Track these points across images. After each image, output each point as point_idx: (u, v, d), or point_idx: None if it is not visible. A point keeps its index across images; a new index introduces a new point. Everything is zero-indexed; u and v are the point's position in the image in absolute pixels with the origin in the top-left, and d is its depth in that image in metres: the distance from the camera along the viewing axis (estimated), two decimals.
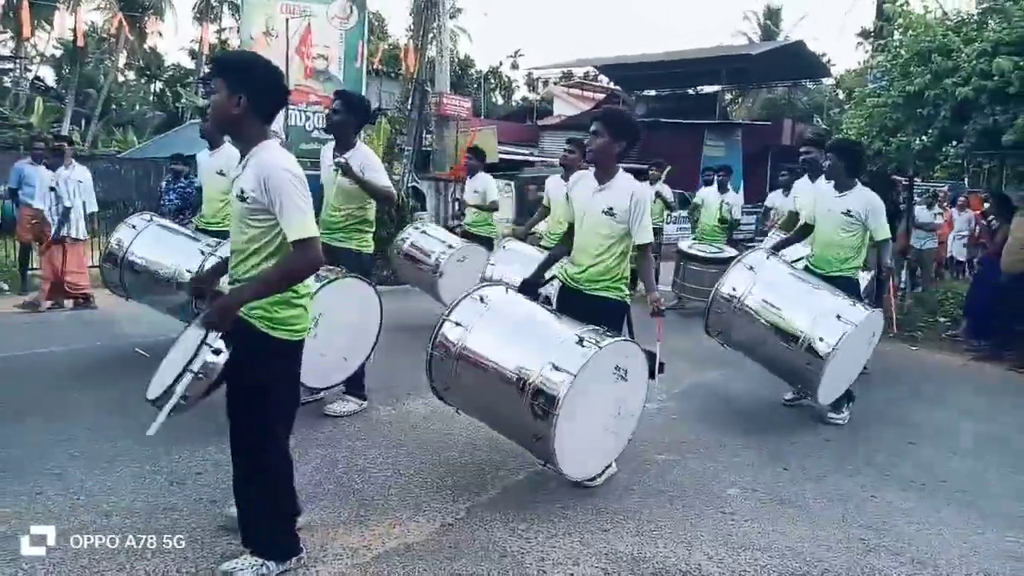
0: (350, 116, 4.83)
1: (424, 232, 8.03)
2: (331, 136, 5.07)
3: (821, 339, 4.77)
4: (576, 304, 4.01)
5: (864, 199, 5.26)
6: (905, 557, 3.41)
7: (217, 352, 2.60)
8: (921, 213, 11.81)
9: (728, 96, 33.54)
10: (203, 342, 2.59)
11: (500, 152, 19.04)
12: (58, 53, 36.55)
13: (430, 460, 4.28)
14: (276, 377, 2.86)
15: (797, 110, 32.85)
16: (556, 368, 3.42)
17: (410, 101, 16.19)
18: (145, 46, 38.53)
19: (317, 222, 2.84)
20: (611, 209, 3.97)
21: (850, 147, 5.61)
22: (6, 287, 9.46)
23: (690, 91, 31.15)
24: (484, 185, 8.35)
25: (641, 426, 4.31)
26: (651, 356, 3.84)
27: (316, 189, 4.39)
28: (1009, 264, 7.70)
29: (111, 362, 6.08)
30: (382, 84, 22.83)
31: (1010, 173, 12.93)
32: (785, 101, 34.46)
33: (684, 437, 4.90)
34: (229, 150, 5.51)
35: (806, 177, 6.88)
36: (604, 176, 4.06)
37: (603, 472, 4.00)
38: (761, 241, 8.52)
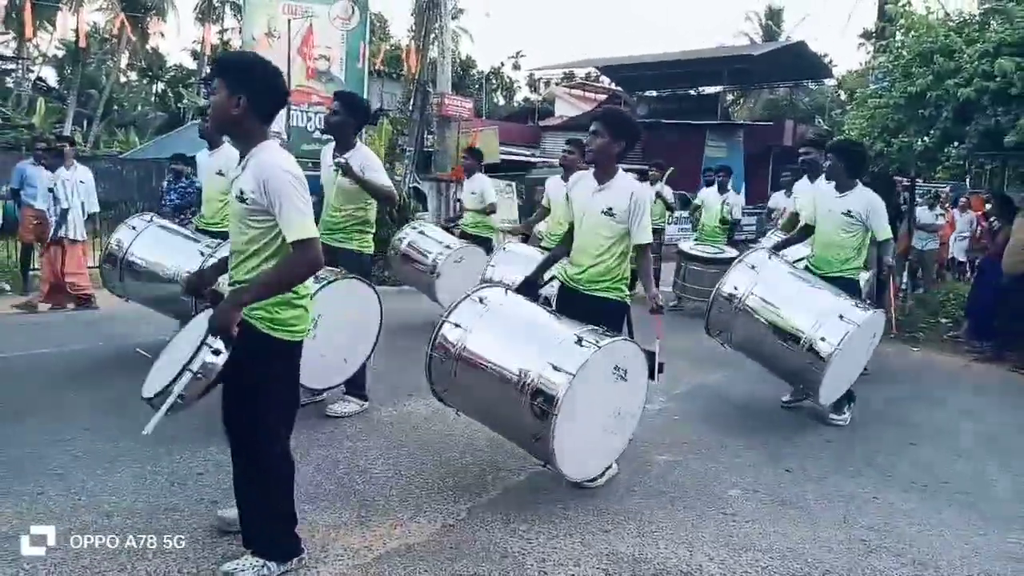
0: (349, 117, 4.84)
1: (422, 232, 7.97)
2: (331, 137, 5.08)
3: (823, 339, 4.76)
4: (576, 305, 4.01)
5: (865, 199, 5.26)
6: (906, 558, 3.41)
7: (217, 352, 2.60)
8: (923, 214, 11.80)
9: (730, 97, 33.52)
10: (203, 342, 2.58)
11: (501, 153, 19.04)
12: (60, 54, 36.63)
13: (431, 461, 4.28)
14: (277, 378, 2.86)
15: (799, 111, 32.84)
16: (555, 368, 3.42)
17: (412, 102, 16.23)
18: (147, 47, 38.62)
19: (317, 223, 2.84)
20: (611, 209, 3.97)
21: (850, 148, 5.60)
22: (8, 287, 9.48)
23: (692, 92, 31.14)
24: (481, 186, 8.31)
25: (642, 427, 4.32)
26: (651, 356, 3.84)
27: (316, 190, 4.40)
28: (1011, 265, 7.69)
29: (112, 362, 6.09)
30: (384, 85, 22.88)
31: (1012, 174, 12.93)
32: (787, 102, 34.44)
33: (685, 438, 4.90)
34: (228, 150, 5.51)
35: (806, 178, 6.89)
36: (604, 176, 4.06)
37: (604, 473, 4.00)
38: (761, 241, 8.52)
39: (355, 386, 5.05)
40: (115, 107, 35.94)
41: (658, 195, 10.27)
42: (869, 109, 9.40)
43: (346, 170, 4.67)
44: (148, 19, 34.69)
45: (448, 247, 7.67)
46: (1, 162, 14.41)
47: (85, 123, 32.33)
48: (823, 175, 5.65)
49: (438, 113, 16.26)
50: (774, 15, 39.66)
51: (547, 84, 41.28)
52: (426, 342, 3.88)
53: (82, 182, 8.73)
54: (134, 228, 6.00)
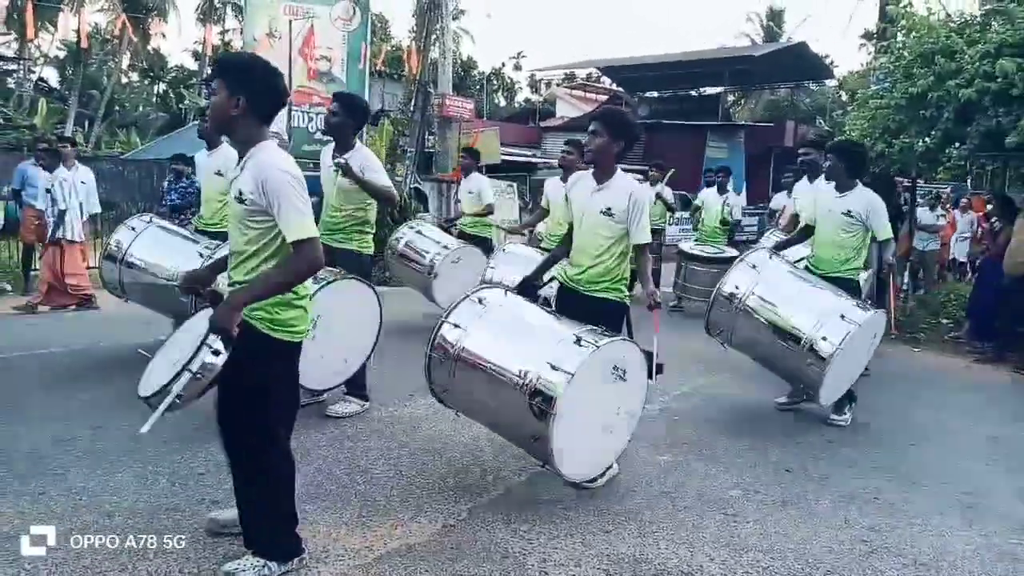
0: (348, 118, 4.84)
1: (419, 232, 7.90)
2: (331, 138, 5.08)
3: (824, 338, 4.76)
4: (575, 305, 4.00)
5: (864, 199, 5.25)
6: (908, 558, 3.40)
7: (216, 353, 2.60)
8: (924, 215, 11.81)
9: (731, 97, 33.54)
10: (203, 342, 2.58)
11: (502, 154, 19.03)
12: (62, 54, 36.67)
13: (432, 461, 4.28)
14: (277, 378, 2.87)
15: (800, 112, 32.84)
16: (554, 368, 3.41)
17: (413, 102, 16.24)
18: (148, 47, 38.66)
19: (317, 223, 2.84)
20: (609, 209, 3.96)
21: (850, 148, 5.60)
22: (9, 288, 9.49)
23: (693, 92, 31.15)
24: (478, 186, 8.28)
25: (643, 427, 4.31)
26: (650, 356, 3.83)
27: (316, 190, 4.40)
28: (1012, 266, 7.68)
29: (113, 362, 6.09)
30: (385, 85, 22.89)
31: (1013, 175, 12.93)
32: (788, 103, 34.45)
33: (686, 438, 4.90)
34: (227, 151, 5.51)
35: (805, 178, 6.89)
36: (603, 176, 4.06)
37: (605, 473, 4.00)
38: (760, 241, 8.52)
39: (356, 386, 5.05)
40: (116, 108, 35.96)
41: (658, 196, 10.26)
42: (870, 110, 9.40)
43: (346, 171, 4.68)
44: (149, 20, 34.75)
45: (446, 247, 7.62)
46: (3, 163, 14.42)
47: (86, 124, 32.36)
48: (823, 175, 5.65)
49: (439, 114, 16.27)
50: (775, 16, 39.71)
51: (548, 85, 41.31)
52: (426, 342, 3.88)
53: (83, 182, 8.73)
54: (133, 229, 6.01)
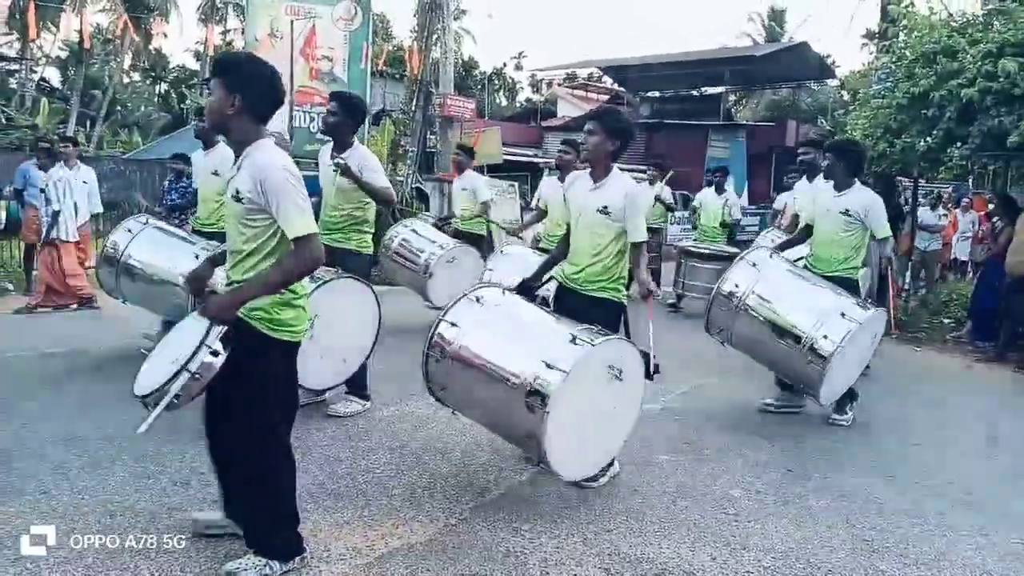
0: (346, 117, 4.84)
1: (414, 231, 7.80)
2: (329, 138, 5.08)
3: (825, 337, 4.74)
4: (573, 304, 4.00)
5: (862, 198, 5.25)
6: (909, 558, 3.40)
7: (215, 354, 2.60)
8: (925, 215, 11.80)
9: (732, 97, 33.50)
10: (202, 343, 2.59)
11: (504, 154, 19.03)
12: (63, 54, 36.71)
13: (434, 460, 4.28)
14: (277, 378, 2.87)
15: (801, 111, 32.76)
16: (549, 366, 3.41)
17: (414, 102, 16.22)
18: (150, 47, 38.73)
19: (316, 223, 2.84)
20: (606, 208, 3.96)
21: (848, 147, 5.59)
22: (11, 287, 9.49)
23: (694, 92, 31.11)
24: (473, 183, 8.15)
25: (644, 427, 4.31)
26: (647, 356, 3.82)
27: (315, 190, 4.40)
28: (1014, 266, 7.68)
29: (114, 362, 6.09)
30: (386, 85, 22.88)
31: (1015, 175, 12.91)
32: (789, 102, 34.38)
33: (687, 438, 4.90)
34: (223, 150, 5.49)
35: (805, 178, 6.88)
36: (599, 175, 4.06)
37: (606, 472, 4.00)
38: (757, 240, 8.51)
39: (357, 386, 5.05)
40: (118, 108, 36.02)
41: (657, 198, 10.24)
42: (872, 110, 9.39)
43: (345, 171, 4.68)
44: (151, 20, 34.78)
45: (441, 247, 7.53)
46: (5, 163, 14.43)
47: (88, 124, 32.39)
48: (822, 174, 5.64)
49: (440, 114, 16.25)
50: (777, 16, 39.65)
51: (549, 85, 41.26)
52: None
53: (85, 182, 8.73)
54: (130, 231, 5.99)
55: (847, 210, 5.22)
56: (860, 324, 4.77)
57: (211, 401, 2.88)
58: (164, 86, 41.94)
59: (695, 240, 10.25)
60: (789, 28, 38.97)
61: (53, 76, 37.80)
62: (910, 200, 11.41)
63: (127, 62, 38.85)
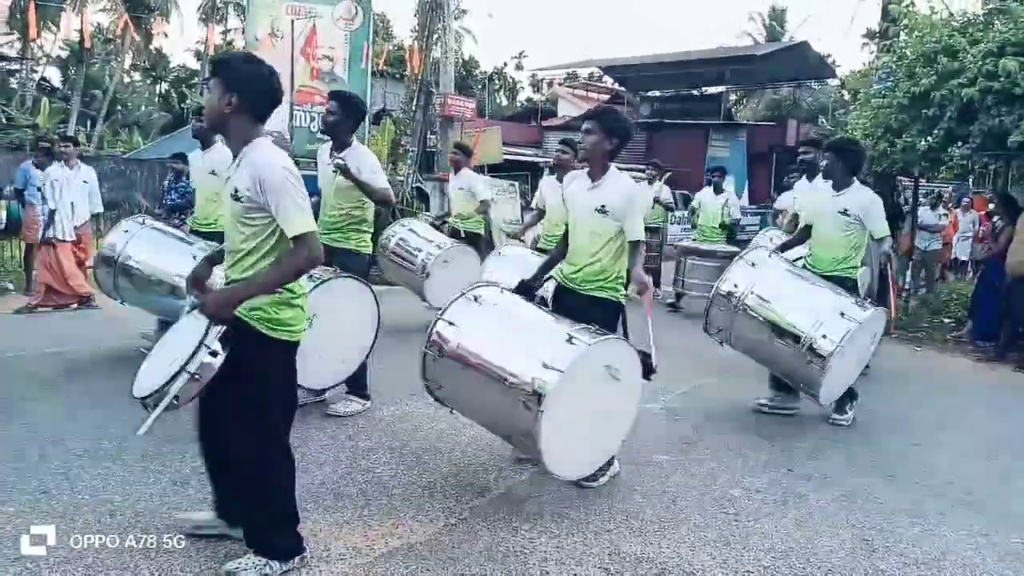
0: (345, 116, 4.84)
1: (412, 230, 7.76)
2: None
3: (825, 336, 4.74)
4: (571, 304, 4.00)
5: (861, 198, 5.24)
6: (910, 558, 3.40)
7: (214, 354, 2.60)
8: (926, 214, 11.79)
9: (733, 97, 33.47)
10: (201, 343, 2.59)
11: (504, 153, 19.02)
12: (64, 54, 36.73)
13: (433, 460, 4.28)
14: (276, 378, 2.88)
15: (802, 111, 32.75)
16: (545, 366, 3.40)
17: (415, 102, 16.20)
18: (151, 47, 38.74)
19: (315, 223, 2.84)
20: (604, 207, 3.95)
21: (847, 146, 5.57)
22: (11, 287, 9.50)
23: (695, 92, 31.09)
24: (469, 182, 8.03)
25: (644, 427, 4.31)
26: (645, 356, 3.81)
27: (315, 190, 4.40)
28: (1014, 265, 7.67)
29: (114, 362, 6.09)
30: (387, 85, 22.85)
31: (1016, 174, 12.91)
32: (790, 102, 34.37)
33: (687, 438, 4.90)
34: (221, 150, 5.49)
35: (804, 178, 6.87)
36: (597, 174, 4.05)
37: (606, 472, 4.00)
38: (755, 239, 8.51)
39: (357, 385, 5.05)
40: (119, 107, 36.05)
41: (656, 200, 10.22)
42: (872, 109, 9.39)
43: (344, 171, 4.68)
44: (152, 20, 34.81)
45: (439, 247, 7.48)
46: (5, 162, 14.45)
47: (89, 123, 32.42)
48: (821, 174, 5.64)
49: (441, 113, 16.23)
50: (777, 15, 39.62)
51: (550, 84, 41.26)
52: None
53: (85, 182, 8.73)
54: (127, 231, 5.99)
55: (846, 210, 5.22)
56: (859, 324, 4.77)
57: (205, 401, 2.88)
58: (164, 86, 41.97)
59: (694, 240, 10.25)
60: (790, 27, 38.96)
61: (54, 76, 37.89)
62: (910, 200, 11.40)
63: (128, 62, 38.88)
